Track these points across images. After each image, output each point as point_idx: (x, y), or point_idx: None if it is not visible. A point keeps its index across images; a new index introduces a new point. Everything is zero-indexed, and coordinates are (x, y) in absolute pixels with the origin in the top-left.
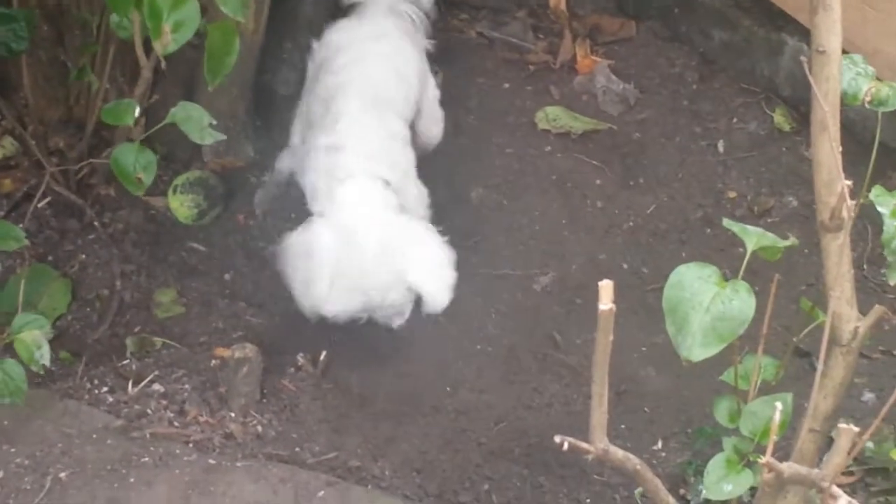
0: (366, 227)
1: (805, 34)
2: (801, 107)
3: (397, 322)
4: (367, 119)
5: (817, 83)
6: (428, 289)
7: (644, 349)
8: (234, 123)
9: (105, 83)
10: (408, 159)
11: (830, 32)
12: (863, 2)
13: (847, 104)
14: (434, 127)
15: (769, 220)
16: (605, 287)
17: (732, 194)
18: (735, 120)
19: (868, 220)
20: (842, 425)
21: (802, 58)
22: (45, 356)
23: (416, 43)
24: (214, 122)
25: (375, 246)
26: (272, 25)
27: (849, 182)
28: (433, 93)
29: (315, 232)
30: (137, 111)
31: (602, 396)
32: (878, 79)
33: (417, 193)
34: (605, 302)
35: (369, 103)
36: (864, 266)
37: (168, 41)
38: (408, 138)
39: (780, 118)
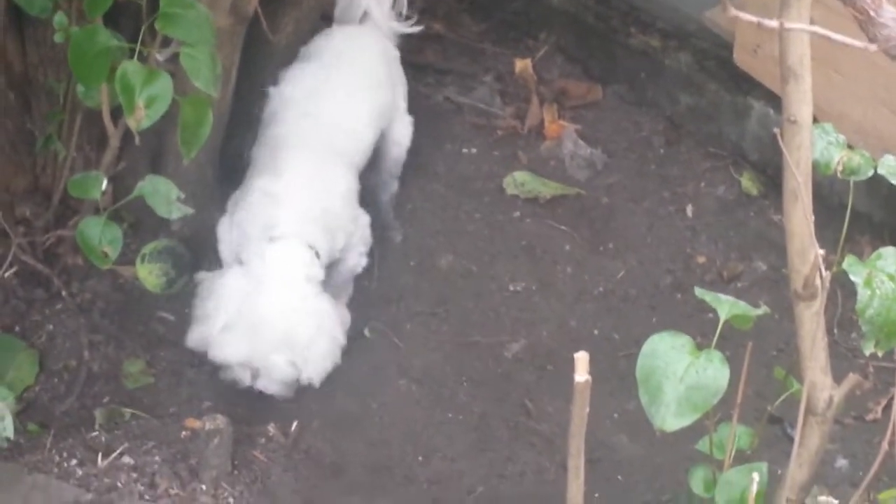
0: (278, 293)
1: (771, 99)
2: (768, 170)
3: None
4: (311, 177)
5: (789, 153)
6: (307, 362)
7: (616, 416)
8: (203, 189)
9: (72, 152)
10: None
11: (802, 102)
12: (827, 65)
13: (820, 174)
14: (404, 131)
15: (738, 285)
16: (581, 359)
17: (701, 259)
18: (703, 184)
19: (838, 283)
20: (820, 497)
21: (775, 129)
22: (8, 428)
23: (386, 55)
24: (182, 196)
25: (279, 310)
26: (239, 91)
27: (822, 251)
28: (403, 104)
29: (228, 276)
30: (105, 184)
31: (578, 469)
32: (850, 146)
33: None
34: (582, 374)
35: (316, 158)
36: (835, 330)
37: (142, 116)
38: (355, 191)
39: (747, 182)
